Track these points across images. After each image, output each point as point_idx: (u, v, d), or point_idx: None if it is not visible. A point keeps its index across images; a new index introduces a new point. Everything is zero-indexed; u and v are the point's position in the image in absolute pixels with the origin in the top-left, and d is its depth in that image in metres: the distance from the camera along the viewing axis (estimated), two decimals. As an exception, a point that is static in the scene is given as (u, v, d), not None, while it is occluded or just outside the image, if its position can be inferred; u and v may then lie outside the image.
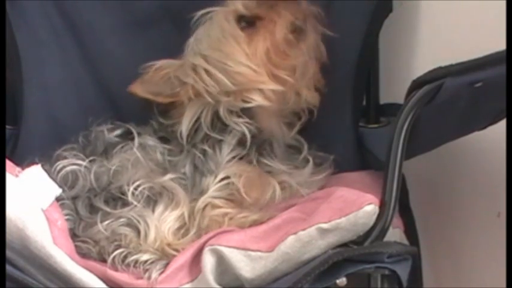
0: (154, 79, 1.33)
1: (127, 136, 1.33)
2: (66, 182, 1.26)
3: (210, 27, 1.33)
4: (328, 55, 1.34)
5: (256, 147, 1.32)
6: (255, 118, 1.32)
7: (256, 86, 1.30)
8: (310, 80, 1.33)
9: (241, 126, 1.31)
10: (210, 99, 1.30)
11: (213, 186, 1.27)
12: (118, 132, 1.34)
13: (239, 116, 1.31)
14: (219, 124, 1.32)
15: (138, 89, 1.34)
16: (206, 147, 1.31)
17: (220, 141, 1.31)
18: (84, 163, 1.27)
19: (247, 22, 1.32)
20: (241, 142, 1.31)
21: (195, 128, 1.32)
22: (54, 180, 1.24)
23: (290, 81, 1.29)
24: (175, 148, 1.32)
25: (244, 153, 1.31)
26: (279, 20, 1.31)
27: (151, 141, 1.32)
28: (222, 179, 1.28)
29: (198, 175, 1.30)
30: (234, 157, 1.30)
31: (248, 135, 1.31)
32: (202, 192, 1.27)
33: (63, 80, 1.48)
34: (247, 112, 1.32)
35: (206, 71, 1.31)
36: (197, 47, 1.33)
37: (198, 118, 1.32)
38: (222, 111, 1.31)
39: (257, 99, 1.30)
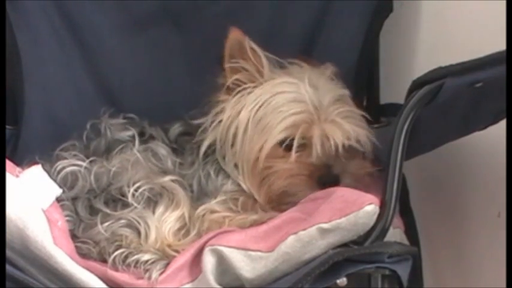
0: (243, 62, 1.28)
1: (140, 137, 1.32)
2: (66, 182, 1.26)
3: (276, 108, 1.27)
4: (328, 55, 1.34)
5: None
6: None
7: (242, 180, 1.29)
8: None
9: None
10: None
11: (213, 201, 1.27)
12: (130, 133, 1.33)
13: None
14: None
15: (238, 40, 1.28)
16: (211, 171, 1.29)
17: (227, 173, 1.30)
18: (84, 164, 1.26)
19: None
20: None
21: (214, 148, 1.30)
22: (54, 180, 1.24)
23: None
24: (186, 162, 1.31)
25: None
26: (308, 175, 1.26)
27: (163, 149, 1.31)
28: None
29: (202, 193, 1.29)
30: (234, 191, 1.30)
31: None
32: (203, 204, 1.27)
33: (63, 79, 1.48)
34: None
35: (236, 127, 1.28)
36: (259, 103, 1.28)
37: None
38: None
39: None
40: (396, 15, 1.43)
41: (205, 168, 1.30)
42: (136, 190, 1.23)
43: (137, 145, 1.30)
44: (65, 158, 1.28)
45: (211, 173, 1.29)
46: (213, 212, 1.25)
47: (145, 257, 1.17)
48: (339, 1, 1.42)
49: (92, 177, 1.25)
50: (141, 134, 1.33)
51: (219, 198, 1.26)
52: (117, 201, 1.24)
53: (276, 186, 1.26)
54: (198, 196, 1.28)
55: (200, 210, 1.25)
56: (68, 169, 1.26)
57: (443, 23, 1.47)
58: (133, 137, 1.32)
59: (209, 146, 1.29)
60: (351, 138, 1.26)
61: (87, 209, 1.24)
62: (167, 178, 1.26)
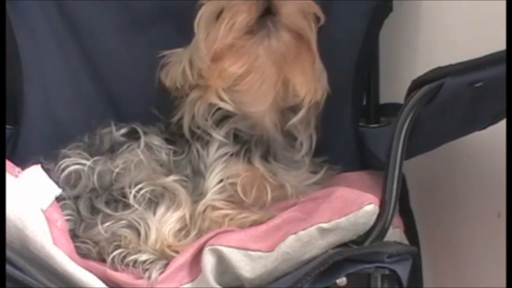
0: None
1: (132, 135, 1.33)
2: (69, 181, 1.26)
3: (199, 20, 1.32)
4: (328, 55, 1.34)
5: (248, 145, 1.31)
6: (243, 114, 1.31)
7: (210, 83, 1.29)
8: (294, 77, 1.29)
9: (214, 132, 1.30)
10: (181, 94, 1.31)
11: (211, 189, 1.27)
12: (124, 131, 1.34)
13: (218, 116, 1.31)
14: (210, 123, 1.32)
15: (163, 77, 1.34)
16: (198, 147, 1.31)
17: (208, 141, 1.31)
18: (88, 163, 1.27)
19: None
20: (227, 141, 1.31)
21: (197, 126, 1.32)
22: (58, 178, 1.24)
23: (245, 85, 1.28)
24: (179, 149, 1.32)
25: (231, 151, 1.30)
26: (234, 17, 1.26)
27: (157, 141, 1.32)
28: (220, 181, 1.27)
29: (197, 177, 1.29)
30: (221, 156, 1.30)
31: (224, 140, 1.30)
32: (202, 195, 1.27)
33: (63, 79, 1.48)
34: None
35: (183, 65, 1.32)
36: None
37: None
38: (196, 113, 1.31)
39: (215, 101, 1.30)
40: (396, 15, 1.43)
41: (195, 146, 1.30)
42: (137, 191, 1.23)
43: (142, 144, 1.30)
44: (69, 157, 1.28)
45: (199, 148, 1.30)
46: (214, 208, 1.25)
47: (144, 257, 1.17)
48: (338, 1, 1.42)
49: (95, 176, 1.26)
50: (135, 132, 1.33)
51: (216, 187, 1.26)
52: (119, 201, 1.24)
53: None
54: (195, 184, 1.28)
55: (201, 206, 1.25)
56: (72, 168, 1.27)
57: (443, 22, 1.47)
58: (132, 133, 1.32)
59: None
60: None
61: (88, 209, 1.24)
62: (169, 179, 1.26)
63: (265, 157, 1.31)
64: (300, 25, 1.28)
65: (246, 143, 1.31)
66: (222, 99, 1.29)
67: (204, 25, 1.30)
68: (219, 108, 1.31)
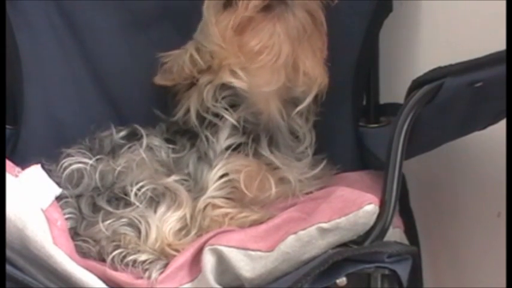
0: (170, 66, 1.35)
1: (132, 137, 1.33)
2: (72, 180, 1.26)
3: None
4: (328, 55, 1.34)
5: (254, 135, 1.31)
6: (250, 101, 1.32)
7: (224, 63, 1.29)
8: (302, 60, 1.29)
9: (226, 113, 1.30)
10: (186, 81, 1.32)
11: (212, 185, 1.27)
12: (123, 133, 1.34)
13: (226, 103, 1.31)
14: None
15: (159, 79, 1.36)
16: (208, 134, 1.31)
17: (218, 128, 1.31)
18: (90, 162, 1.27)
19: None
20: (236, 129, 1.31)
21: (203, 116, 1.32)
22: (60, 177, 1.24)
23: (260, 62, 1.27)
24: (180, 147, 1.32)
25: (239, 141, 1.30)
26: None
27: (156, 141, 1.32)
28: (221, 176, 1.27)
29: (199, 170, 1.29)
30: (230, 146, 1.30)
31: (235, 123, 1.30)
32: (202, 190, 1.27)
33: (63, 79, 1.48)
34: (240, 96, 1.31)
35: (189, 53, 1.32)
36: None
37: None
38: (205, 97, 1.31)
39: (228, 79, 1.30)
40: (396, 14, 1.43)
41: (203, 133, 1.31)
42: (139, 190, 1.24)
43: (144, 144, 1.30)
44: (72, 156, 1.29)
45: (209, 136, 1.30)
46: (214, 207, 1.25)
47: (143, 257, 1.17)
48: (339, 1, 1.42)
49: (97, 175, 1.26)
50: (135, 134, 1.33)
51: (217, 183, 1.26)
52: (120, 199, 1.24)
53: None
54: (196, 179, 1.28)
55: (201, 203, 1.25)
56: (74, 166, 1.27)
57: (443, 22, 1.47)
58: (132, 135, 1.32)
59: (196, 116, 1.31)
60: None
61: (90, 207, 1.25)
62: (171, 179, 1.26)
63: (268, 147, 1.31)
64: (313, 5, 1.29)
65: (252, 132, 1.31)
66: (236, 77, 1.29)
67: (213, 9, 1.30)
68: (226, 97, 1.31)
